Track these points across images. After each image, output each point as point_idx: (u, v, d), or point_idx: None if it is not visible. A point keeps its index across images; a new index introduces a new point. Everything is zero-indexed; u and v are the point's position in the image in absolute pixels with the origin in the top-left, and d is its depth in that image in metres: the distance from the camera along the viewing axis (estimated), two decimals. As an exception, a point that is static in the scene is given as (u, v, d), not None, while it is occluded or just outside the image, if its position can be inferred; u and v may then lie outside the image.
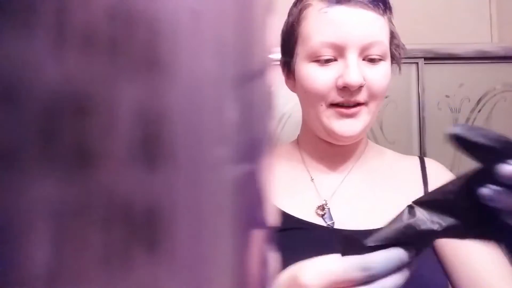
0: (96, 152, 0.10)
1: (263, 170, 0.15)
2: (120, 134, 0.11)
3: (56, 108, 0.10)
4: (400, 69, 0.72)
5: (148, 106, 0.11)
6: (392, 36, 0.67)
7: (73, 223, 0.10)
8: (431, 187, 0.69)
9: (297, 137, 0.77)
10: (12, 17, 0.09)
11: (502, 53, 1.33)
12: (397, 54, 0.69)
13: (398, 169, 0.73)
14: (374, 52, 0.63)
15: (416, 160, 0.74)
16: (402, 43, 0.70)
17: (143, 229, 0.11)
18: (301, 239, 0.63)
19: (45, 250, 0.10)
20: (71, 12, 0.10)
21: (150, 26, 0.11)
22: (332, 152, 0.71)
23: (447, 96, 1.33)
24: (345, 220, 0.65)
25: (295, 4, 0.69)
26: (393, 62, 0.69)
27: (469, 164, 0.38)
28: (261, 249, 0.15)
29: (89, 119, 0.10)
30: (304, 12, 0.66)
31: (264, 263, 0.15)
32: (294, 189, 0.69)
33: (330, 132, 0.66)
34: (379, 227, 0.62)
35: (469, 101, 1.33)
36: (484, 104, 1.33)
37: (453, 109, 1.33)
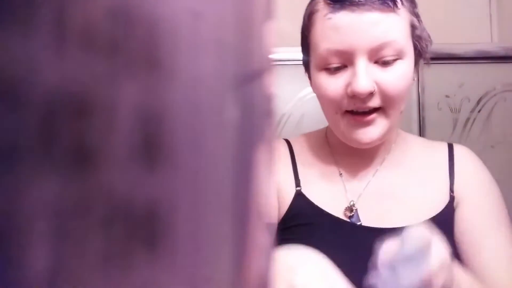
0: (96, 152, 0.10)
1: (263, 169, 0.15)
2: (120, 134, 0.11)
3: (56, 108, 0.10)
4: (427, 61, 0.68)
5: (148, 106, 0.11)
6: (413, 27, 0.62)
7: (73, 223, 0.10)
8: (458, 175, 0.68)
9: (326, 128, 0.76)
10: (12, 16, 0.09)
11: (502, 53, 1.33)
12: (421, 46, 0.64)
13: (427, 160, 0.70)
14: (386, 54, 0.59)
15: (444, 148, 0.72)
16: (427, 33, 0.65)
17: (143, 228, 0.11)
18: (329, 233, 0.64)
19: (45, 250, 0.10)
20: (71, 12, 0.10)
21: (150, 26, 0.11)
22: (359, 149, 0.69)
23: (447, 96, 1.33)
24: (373, 218, 0.65)
25: (306, 10, 0.67)
26: (417, 55, 0.64)
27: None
28: (261, 247, 0.15)
29: (89, 119, 0.10)
30: (312, 17, 0.63)
31: (264, 262, 0.15)
32: (322, 182, 0.69)
33: (348, 139, 0.65)
34: (405, 225, 0.61)
35: (469, 101, 1.33)
36: (484, 104, 1.33)
37: (453, 109, 1.33)
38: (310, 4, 0.66)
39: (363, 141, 0.63)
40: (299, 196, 0.68)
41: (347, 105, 0.61)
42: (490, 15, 1.61)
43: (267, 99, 0.15)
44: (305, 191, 0.69)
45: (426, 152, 0.72)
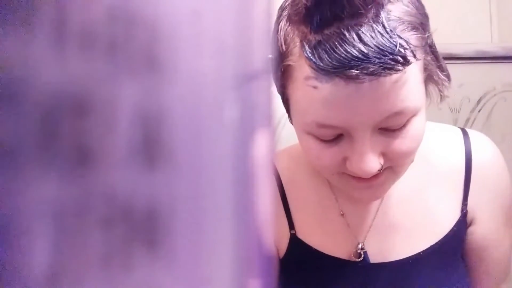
0: (96, 152, 0.10)
1: (263, 169, 0.15)
2: (120, 134, 0.11)
3: (56, 108, 0.10)
4: (442, 97, 0.52)
5: (148, 106, 0.11)
6: (426, 70, 0.47)
7: (73, 223, 0.10)
8: (474, 187, 0.58)
9: None
10: (12, 16, 0.09)
11: (502, 53, 1.33)
12: (439, 90, 0.50)
13: (438, 170, 0.58)
14: (396, 122, 0.43)
15: (461, 149, 0.58)
16: (444, 68, 0.50)
17: (143, 229, 0.11)
18: (335, 277, 0.57)
19: (45, 250, 0.10)
20: (71, 12, 0.10)
21: (150, 26, 0.11)
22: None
23: (447, 96, 1.33)
24: (381, 253, 0.58)
25: (274, 45, 0.46)
26: (430, 84, 0.50)
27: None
28: (262, 246, 0.15)
29: (89, 119, 0.10)
30: (288, 73, 0.44)
31: (265, 261, 0.15)
32: (321, 223, 0.60)
33: (348, 195, 0.53)
34: (417, 251, 0.56)
35: (469, 101, 1.33)
36: (484, 104, 1.33)
37: (453, 109, 1.33)
38: (278, 43, 0.45)
39: (367, 200, 0.53)
40: (295, 241, 0.58)
41: (346, 170, 0.46)
42: (490, 15, 1.60)
43: (267, 99, 0.15)
44: (301, 234, 0.59)
45: (438, 159, 0.59)
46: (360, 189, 0.48)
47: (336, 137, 0.45)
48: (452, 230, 0.58)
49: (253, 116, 0.14)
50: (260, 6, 0.15)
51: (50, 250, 0.10)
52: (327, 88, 0.41)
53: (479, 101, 1.33)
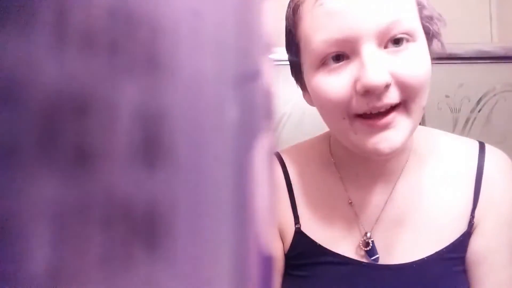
0: (96, 152, 0.10)
1: (264, 169, 0.15)
2: (120, 134, 0.11)
3: (56, 108, 0.10)
4: (442, 44, 0.55)
5: (148, 106, 0.11)
6: (421, 7, 0.51)
7: (73, 223, 0.10)
8: (483, 197, 0.57)
9: (329, 140, 0.63)
10: (11, 16, 0.09)
11: (502, 53, 1.33)
12: (433, 28, 0.53)
13: (450, 175, 0.59)
14: (396, 32, 0.47)
15: (474, 157, 0.59)
16: (438, 14, 0.54)
17: (143, 229, 0.11)
18: (338, 275, 0.56)
19: (45, 250, 0.10)
20: (71, 12, 0.10)
21: (150, 26, 0.11)
22: (370, 167, 0.58)
23: (447, 96, 1.33)
24: (387, 252, 0.57)
25: (288, 6, 0.55)
26: (430, 38, 0.53)
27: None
28: (262, 248, 0.15)
29: (89, 119, 0.10)
30: (298, 11, 0.52)
31: (264, 262, 0.15)
32: (329, 216, 0.59)
33: (362, 150, 0.51)
34: (422, 256, 0.55)
35: (469, 101, 1.33)
36: (484, 104, 1.33)
37: (453, 109, 1.33)
38: (292, 0, 0.54)
39: (383, 151, 0.49)
40: (299, 235, 0.59)
41: (357, 106, 0.48)
42: (490, 15, 1.61)
43: (267, 99, 0.15)
44: (306, 228, 0.59)
45: (450, 164, 0.59)
46: (373, 136, 0.49)
47: (344, 62, 0.49)
48: (458, 240, 0.57)
49: (253, 116, 0.14)
50: (260, 6, 0.15)
51: (50, 250, 0.10)
52: (331, 1, 0.47)
53: (479, 101, 1.33)
